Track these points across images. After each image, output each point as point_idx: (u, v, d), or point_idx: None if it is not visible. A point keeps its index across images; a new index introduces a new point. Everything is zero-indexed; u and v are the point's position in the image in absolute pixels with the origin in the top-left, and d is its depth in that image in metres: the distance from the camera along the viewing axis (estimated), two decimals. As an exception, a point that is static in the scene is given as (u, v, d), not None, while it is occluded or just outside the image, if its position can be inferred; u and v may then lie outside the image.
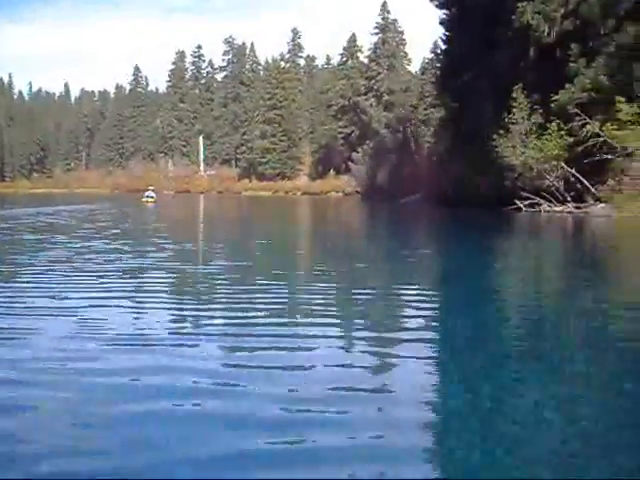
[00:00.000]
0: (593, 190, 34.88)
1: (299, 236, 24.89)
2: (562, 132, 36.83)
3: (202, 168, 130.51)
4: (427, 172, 61.20)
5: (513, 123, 39.48)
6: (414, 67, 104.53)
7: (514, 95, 39.35)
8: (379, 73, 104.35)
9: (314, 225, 34.75)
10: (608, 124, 34.22)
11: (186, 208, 54.98)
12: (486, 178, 46.16)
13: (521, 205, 37.75)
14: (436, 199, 55.45)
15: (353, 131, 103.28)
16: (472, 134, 50.41)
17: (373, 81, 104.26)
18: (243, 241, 20.19)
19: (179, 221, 35.11)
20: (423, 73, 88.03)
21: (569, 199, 37.01)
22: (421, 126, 76.29)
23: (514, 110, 39.37)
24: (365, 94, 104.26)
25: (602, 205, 32.81)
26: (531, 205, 37.71)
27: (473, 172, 49.25)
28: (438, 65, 61.86)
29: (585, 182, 35.51)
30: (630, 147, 33.10)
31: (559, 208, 36.62)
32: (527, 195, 37.56)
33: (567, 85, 36.47)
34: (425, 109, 77.10)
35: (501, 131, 39.40)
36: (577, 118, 35.85)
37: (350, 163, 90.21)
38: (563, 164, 36.65)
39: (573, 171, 35.55)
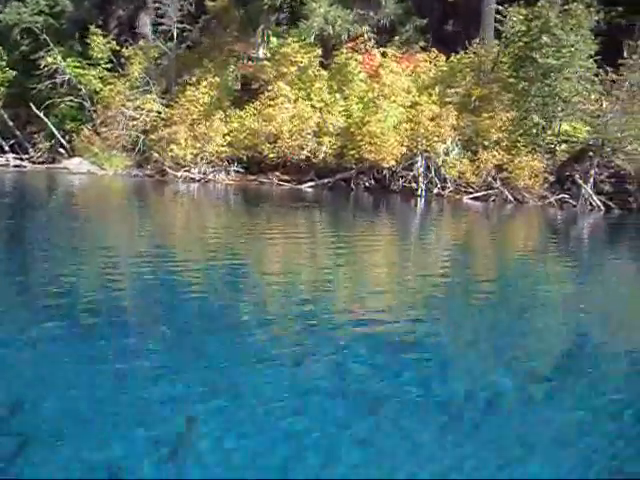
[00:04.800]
0: (64, 142, 27.88)
1: None
2: (3, 62, 28.95)
3: None
4: None
5: None
6: None
7: None
8: None
9: None
10: (70, 59, 28.00)
11: None
12: None
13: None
14: None
15: None
16: None
17: None
18: None
19: None
20: None
21: (7, 149, 29.49)
22: None
23: None
24: None
25: (80, 160, 26.16)
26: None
27: None
28: None
29: (54, 131, 28.16)
30: (100, 89, 27.53)
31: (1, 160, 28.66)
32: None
33: (16, 3, 28.66)
34: None
35: None
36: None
37: None
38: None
39: (38, 111, 27.84)
